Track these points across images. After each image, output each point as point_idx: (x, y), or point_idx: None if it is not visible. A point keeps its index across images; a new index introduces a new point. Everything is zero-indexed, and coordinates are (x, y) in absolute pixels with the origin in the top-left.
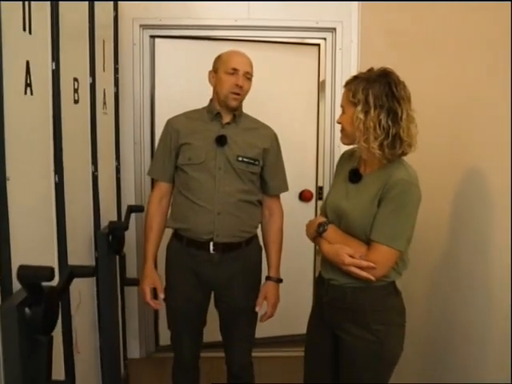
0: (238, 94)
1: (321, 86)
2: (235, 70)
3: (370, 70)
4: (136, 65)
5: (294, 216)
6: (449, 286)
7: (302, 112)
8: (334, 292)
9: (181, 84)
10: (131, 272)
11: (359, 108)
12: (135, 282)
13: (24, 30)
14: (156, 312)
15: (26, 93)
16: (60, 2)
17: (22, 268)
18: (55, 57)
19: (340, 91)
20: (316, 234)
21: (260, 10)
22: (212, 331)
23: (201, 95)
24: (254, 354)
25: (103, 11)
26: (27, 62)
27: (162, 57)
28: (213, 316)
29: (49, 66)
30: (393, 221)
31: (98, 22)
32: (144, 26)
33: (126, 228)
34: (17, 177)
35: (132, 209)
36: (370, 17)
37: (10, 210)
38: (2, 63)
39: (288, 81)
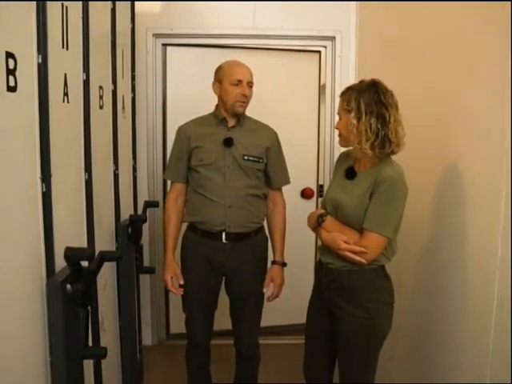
0: (243, 102)
1: (321, 89)
2: (240, 81)
3: (362, 82)
4: (149, 71)
5: (297, 213)
6: (432, 273)
7: (303, 114)
8: (332, 274)
9: (191, 89)
10: (145, 261)
11: (352, 115)
12: (151, 270)
13: (63, 47)
14: (167, 302)
15: (63, 101)
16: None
17: (68, 249)
18: (85, 68)
19: (339, 90)
20: (316, 224)
21: (264, 19)
22: (221, 320)
23: (209, 99)
24: (259, 342)
25: (123, 23)
26: (65, 75)
27: (174, 64)
28: (221, 305)
29: (80, 76)
30: (382, 211)
31: (118, 34)
32: (157, 35)
33: (145, 221)
34: (57, 174)
35: (148, 204)
36: (367, 27)
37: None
38: (48, 77)
39: (291, 85)
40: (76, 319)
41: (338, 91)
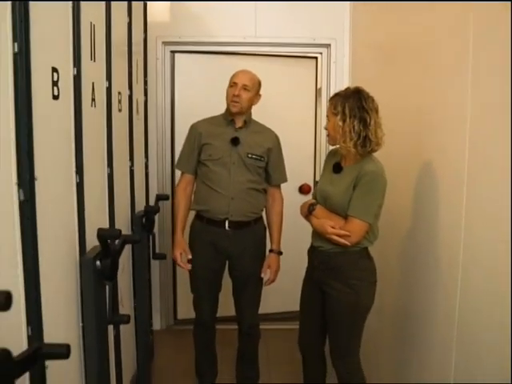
0: (236, 102)
1: (318, 92)
2: (235, 83)
3: (347, 89)
4: (159, 76)
5: (295, 207)
6: (411, 256)
7: (301, 116)
8: (321, 256)
9: (197, 92)
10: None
11: (338, 117)
12: (162, 256)
13: (91, 59)
14: (175, 289)
15: (91, 106)
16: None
17: (100, 230)
18: (108, 77)
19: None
20: (307, 212)
21: (265, 28)
22: (223, 307)
23: (214, 101)
24: (260, 327)
25: (136, 33)
26: (93, 83)
27: (181, 69)
28: (225, 292)
29: (104, 84)
30: (364, 200)
31: (133, 44)
32: (166, 43)
33: (158, 211)
34: (87, 169)
35: (160, 197)
36: (360, 35)
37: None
38: (81, 86)
39: (290, 89)
40: (103, 291)
41: (334, 92)
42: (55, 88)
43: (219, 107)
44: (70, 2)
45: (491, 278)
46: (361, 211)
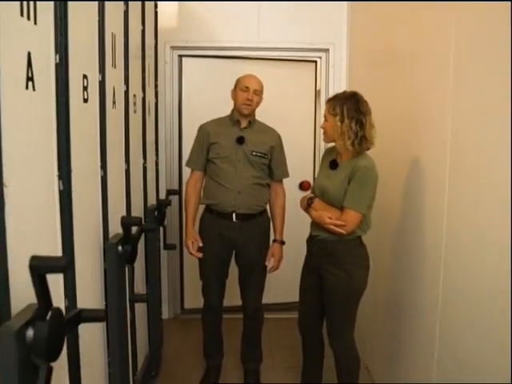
0: (248, 105)
1: (317, 94)
2: (247, 87)
3: (344, 92)
4: (167, 79)
5: (296, 203)
6: (401, 244)
7: (301, 116)
8: (319, 244)
9: (203, 94)
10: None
11: (337, 118)
12: (173, 247)
13: (112, 66)
14: (182, 281)
15: (113, 108)
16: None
17: (123, 217)
18: (126, 81)
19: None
20: (307, 205)
21: (268, 34)
22: (229, 298)
23: (219, 102)
24: (265, 316)
25: (149, 39)
26: (113, 87)
27: (188, 72)
28: (229, 287)
29: (122, 88)
30: (357, 193)
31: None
32: (174, 48)
33: (169, 204)
34: (110, 166)
35: (170, 192)
36: (356, 40)
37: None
38: (105, 89)
39: (291, 91)
40: (124, 273)
41: (332, 94)
42: (85, 92)
43: (224, 108)
44: (97, 16)
45: (471, 264)
46: (355, 203)
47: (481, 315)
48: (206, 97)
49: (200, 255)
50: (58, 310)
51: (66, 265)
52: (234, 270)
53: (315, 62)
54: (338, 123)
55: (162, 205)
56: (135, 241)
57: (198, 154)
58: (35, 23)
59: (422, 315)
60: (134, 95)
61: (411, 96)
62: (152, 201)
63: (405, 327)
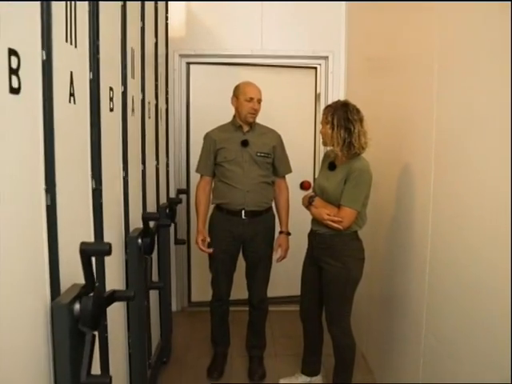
0: (254, 114)
1: (317, 97)
2: (252, 98)
3: (337, 101)
4: (176, 85)
5: (297, 202)
6: (395, 240)
7: (302, 119)
8: (319, 238)
9: (209, 99)
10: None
11: (328, 126)
12: (183, 242)
13: (132, 77)
14: (189, 275)
15: (132, 115)
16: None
17: (144, 213)
18: (142, 90)
19: (331, 99)
20: (308, 203)
21: (270, 42)
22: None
23: (224, 107)
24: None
25: (161, 48)
26: (132, 97)
27: (196, 78)
28: (235, 281)
29: (139, 96)
30: (352, 192)
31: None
32: (182, 56)
33: (180, 203)
34: (131, 171)
35: (180, 191)
36: (354, 48)
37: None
38: (127, 100)
39: (292, 95)
40: (143, 262)
41: (331, 100)
42: (111, 102)
43: (229, 111)
44: (120, 35)
45: (453, 258)
46: (350, 201)
47: (462, 303)
48: (212, 101)
49: (210, 251)
50: (99, 288)
51: (108, 249)
52: (240, 265)
53: (315, 68)
54: (329, 130)
55: (174, 203)
56: (153, 234)
57: (206, 160)
58: (75, 47)
59: (411, 304)
60: (149, 102)
61: (400, 104)
62: (163, 199)
63: (396, 316)
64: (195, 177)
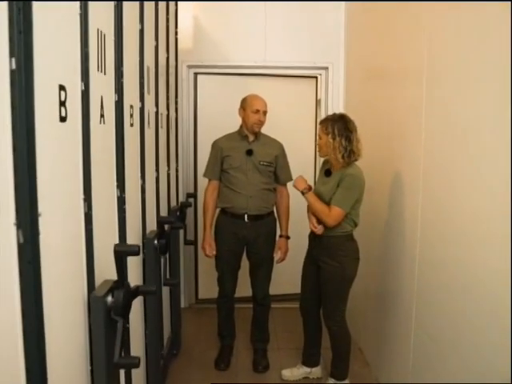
0: (259, 125)
1: (318, 103)
2: (258, 110)
3: (334, 114)
4: (184, 94)
5: (298, 205)
6: (388, 242)
7: (303, 127)
8: (318, 239)
9: (216, 107)
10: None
11: (329, 136)
12: (192, 242)
13: (147, 93)
14: (196, 273)
15: (148, 127)
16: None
17: (159, 217)
18: (156, 104)
19: (331, 110)
20: (301, 192)
21: (273, 54)
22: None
23: (230, 116)
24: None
25: (171, 61)
26: (148, 111)
27: (203, 88)
28: (241, 278)
29: (153, 109)
30: (342, 194)
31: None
32: (190, 66)
33: (190, 206)
34: (147, 178)
35: (189, 195)
36: (352, 59)
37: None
38: (144, 115)
39: (294, 104)
40: (159, 261)
41: (331, 107)
42: (131, 119)
43: (233, 119)
44: (138, 57)
45: (439, 258)
46: (339, 202)
47: (447, 299)
48: (218, 109)
49: (213, 253)
50: (128, 283)
51: (138, 250)
52: (244, 264)
53: (316, 78)
54: (331, 140)
55: (184, 206)
56: (168, 236)
57: (214, 166)
58: (104, 74)
59: (402, 301)
60: (161, 113)
61: (391, 115)
62: (173, 202)
63: (389, 312)
64: (202, 181)
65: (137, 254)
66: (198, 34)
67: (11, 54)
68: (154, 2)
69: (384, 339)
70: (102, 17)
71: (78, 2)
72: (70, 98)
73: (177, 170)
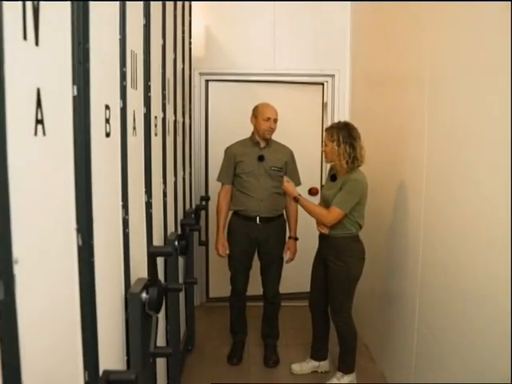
0: (270, 132)
1: (324, 106)
2: (269, 118)
3: (339, 122)
4: (196, 100)
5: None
6: (392, 244)
7: (311, 131)
8: (326, 240)
9: (226, 113)
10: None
11: (335, 143)
12: (205, 243)
13: (168, 103)
14: (207, 273)
15: (168, 135)
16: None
17: (182, 220)
18: (174, 113)
19: (337, 115)
20: (294, 200)
21: (282, 62)
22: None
23: (239, 120)
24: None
25: (186, 70)
26: (168, 120)
27: (214, 94)
28: (252, 279)
29: (172, 118)
30: (343, 197)
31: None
32: (201, 73)
33: (203, 209)
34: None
35: (203, 198)
36: (358, 66)
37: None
38: (166, 124)
39: (302, 108)
40: (177, 261)
41: (336, 114)
42: (155, 129)
43: (243, 124)
44: (161, 69)
45: (441, 259)
46: (340, 203)
47: (449, 297)
48: (228, 115)
49: (227, 253)
50: (160, 281)
51: (171, 251)
52: (255, 264)
53: (322, 84)
54: (335, 147)
55: (199, 208)
56: (187, 238)
57: (227, 171)
58: (136, 89)
59: (406, 300)
60: (178, 121)
61: (395, 121)
62: (187, 205)
63: (393, 310)
64: (213, 184)
65: (170, 255)
66: (209, 43)
67: (73, 82)
68: (173, 17)
69: (388, 336)
70: (134, 38)
71: (118, 28)
72: (112, 115)
73: (190, 174)
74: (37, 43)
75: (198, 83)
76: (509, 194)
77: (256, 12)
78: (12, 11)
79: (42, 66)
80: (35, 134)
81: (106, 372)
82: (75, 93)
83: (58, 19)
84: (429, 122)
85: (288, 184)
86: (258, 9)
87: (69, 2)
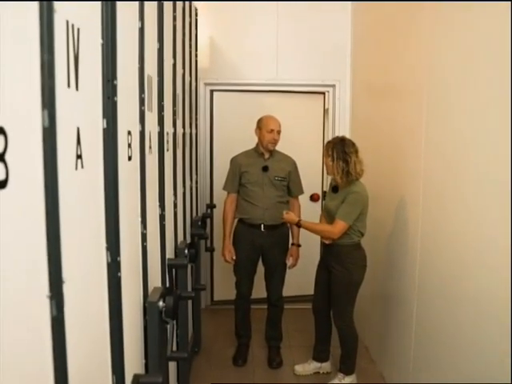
0: (274, 143)
1: (326, 112)
2: (272, 130)
3: (335, 138)
4: (201, 110)
5: (307, 212)
6: (392, 252)
7: (312, 139)
8: (329, 248)
9: (230, 122)
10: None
11: (329, 159)
12: (212, 249)
13: (177, 118)
14: (212, 276)
15: (178, 148)
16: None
17: (192, 230)
18: (183, 126)
19: (337, 124)
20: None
21: (284, 72)
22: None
23: (243, 129)
24: (285, 306)
25: (193, 82)
26: (177, 134)
27: (218, 104)
28: (256, 283)
29: (180, 131)
30: (346, 209)
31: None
32: (206, 84)
33: (209, 217)
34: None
35: (209, 206)
36: (358, 77)
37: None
38: (176, 138)
39: (303, 117)
40: (188, 266)
41: (337, 123)
42: (167, 144)
43: (247, 133)
44: (171, 84)
45: (436, 265)
46: (343, 216)
47: (445, 302)
48: (232, 124)
49: (234, 258)
50: (176, 290)
51: (186, 263)
52: (259, 269)
53: (324, 94)
54: (330, 162)
55: (205, 216)
56: (196, 246)
57: (233, 180)
58: (151, 111)
59: (404, 304)
60: (187, 133)
61: (393, 130)
62: (194, 213)
63: (392, 314)
64: (218, 192)
65: (185, 266)
66: (213, 54)
67: (103, 116)
68: (181, 35)
69: (388, 338)
70: (149, 63)
71: (138, 57)
72: (133, 139)
73: (197, 182)
74: (77, 88)
75: (203, 93)
76: (503, 207)
77: (259, 23)
78: (58, 59)
79: (80, 107)
80: (75, 168)
81: (136, 376)
82: (105, 125)
83: (90, 61)
84: (426, 135)
85: (287, 215)
86: (261, 20)
87: (99, 43)
